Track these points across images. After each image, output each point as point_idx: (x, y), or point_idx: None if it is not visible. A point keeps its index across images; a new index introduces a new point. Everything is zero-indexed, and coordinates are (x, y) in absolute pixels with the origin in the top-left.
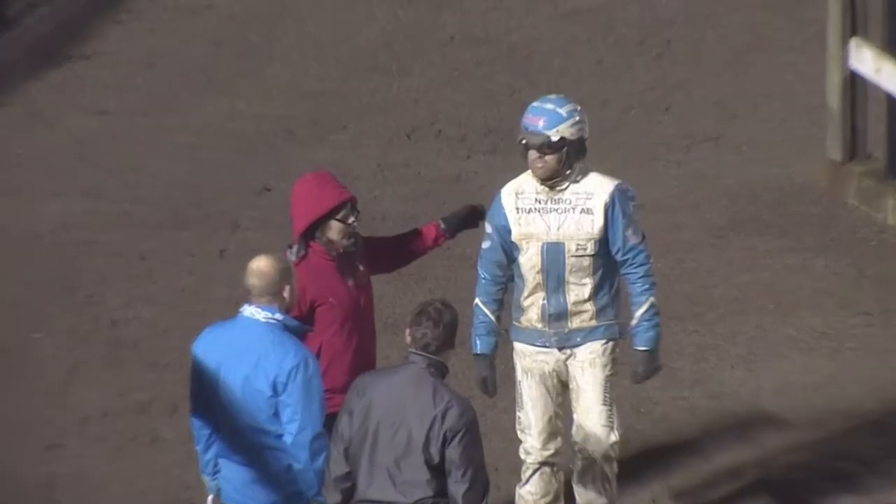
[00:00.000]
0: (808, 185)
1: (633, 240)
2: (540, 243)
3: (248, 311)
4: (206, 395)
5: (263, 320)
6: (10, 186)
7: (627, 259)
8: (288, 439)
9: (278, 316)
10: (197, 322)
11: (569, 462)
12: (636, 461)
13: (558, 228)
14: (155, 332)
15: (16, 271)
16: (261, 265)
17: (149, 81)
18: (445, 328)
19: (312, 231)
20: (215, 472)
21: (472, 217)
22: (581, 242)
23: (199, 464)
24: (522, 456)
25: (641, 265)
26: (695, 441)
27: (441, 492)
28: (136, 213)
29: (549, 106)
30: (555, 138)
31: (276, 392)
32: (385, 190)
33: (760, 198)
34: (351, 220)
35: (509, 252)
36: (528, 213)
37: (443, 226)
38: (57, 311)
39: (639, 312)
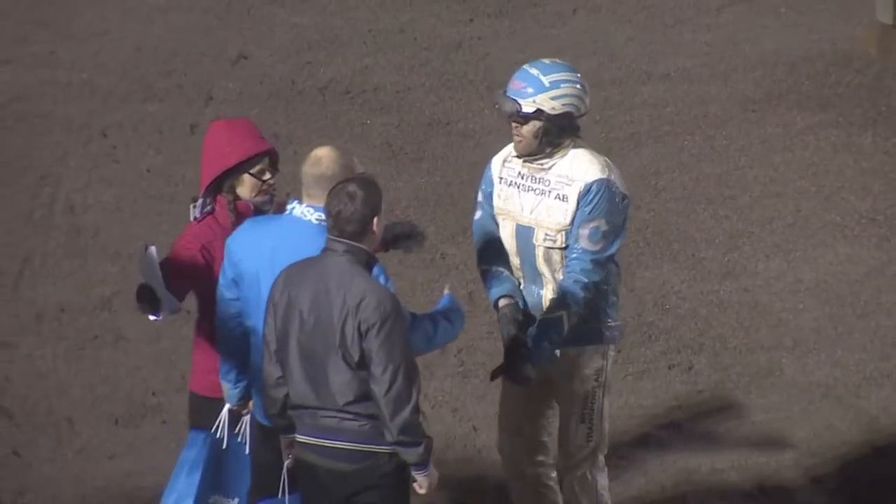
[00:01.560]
0: (853, 53)
1: (583, 242)
2: (514, 224)
3: (298, 210)
4: (252, 303)
5: (316, 222)
6: None
7: (569, 258)
8: None
9: None
10: (165, 207)
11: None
12: (661, 360)
13: (531, 211)
14: (118, 219)
15: None
16: (320, 153)
17: None
18: (365, 206)
19: (221, 185)
20: (239, 380)
21: (410, 240)
22: (549, 233)
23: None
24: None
25: (576, 273)
26: (725, 339)
27: (367, 395)
28: (98, 82)
29: (534, 71)
30: (528, 108)
31: None
32: (377, 59)
33: (800, 67)
34: (267, 176)
35: (496, 229)
36: (509, 186)
37: None
38: (8, 193)
39: (541, 317)
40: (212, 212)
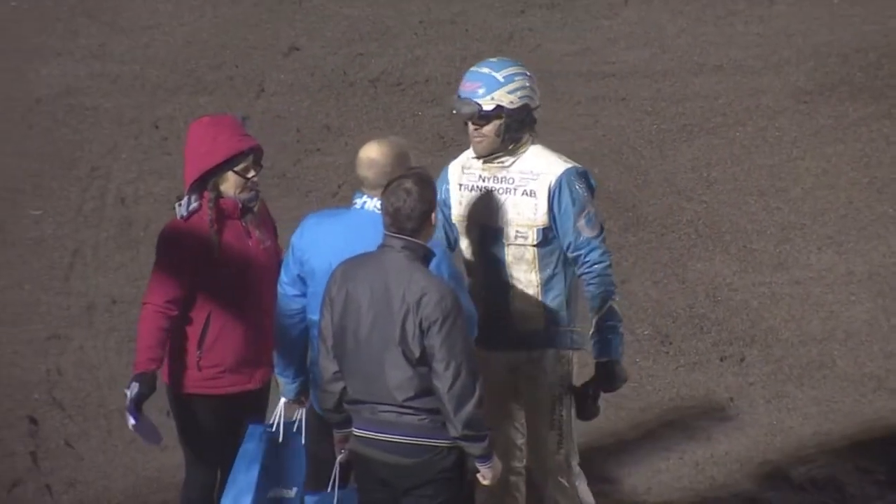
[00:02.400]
0: None
1: (586, 233)
2: (480, 228)
3: (370, 204)
4: (309, 298)
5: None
6: (4, 46)
7: (580, 256)
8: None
9: None
10: None
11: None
12: (712, 351)
13: (498, 211)
14: (169, 210)
15: (13, 141)
16: (370, 153)
17: None
18: (422, 202)
19: (206, 182)
20: (297, 376)
21: None
22: (521, 230)
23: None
24: None
25: (596, 263)
26: (776, 330)
27: (427, 390)
28: (148, 75)
29: (485, 70)
30: (488, 107)
31: None
32: (428, 50)
33: (852, 58)
34: (251, 174)
35: (450, 234)
36: (471, 191)
37: None
38: (58, 186)
39: (595, 319)
40: (198, 209)
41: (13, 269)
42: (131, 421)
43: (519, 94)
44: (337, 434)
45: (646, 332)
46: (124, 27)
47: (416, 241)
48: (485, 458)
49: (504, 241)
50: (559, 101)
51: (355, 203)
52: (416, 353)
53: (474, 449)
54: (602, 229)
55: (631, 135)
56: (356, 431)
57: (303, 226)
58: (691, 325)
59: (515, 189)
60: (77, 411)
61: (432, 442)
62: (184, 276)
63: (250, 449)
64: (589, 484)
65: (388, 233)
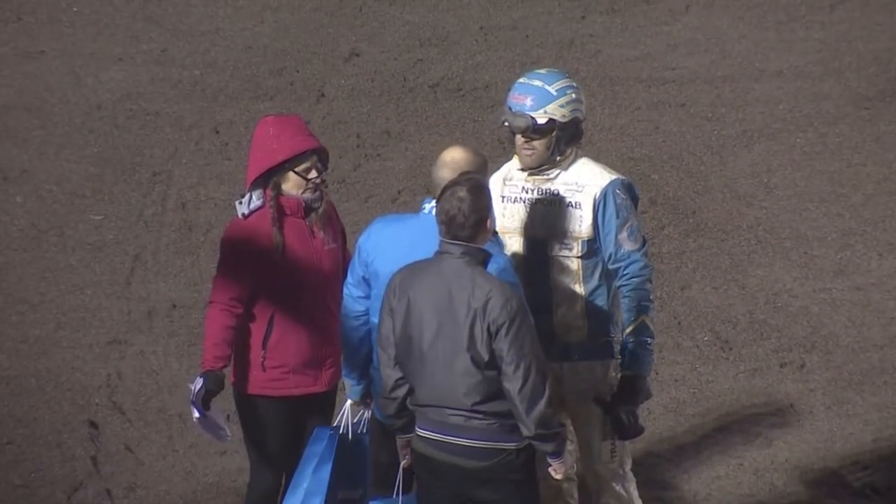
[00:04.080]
0: None
1: (627, 245)
2: (522, 240)
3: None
4: (372, 301)
5: None
6: (65, 50)
7: (619, 268)
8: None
9: None
10: None
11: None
12: (772, 358)
13: (542, 223)
14: (230, 215)
15: (74, 146)
16: (455, 155)
17: None
18: (476, 210)
19: (268, 180)
20: (362, 378)
21: None
22: (566, 241)
23: (343, 363)
24: None
25: (635, 276)
26: (837, 337)
27: (496, 393)
28: (208, 80)
29: (537, 82)
30: (541, 120)
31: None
32: (488, 56)
33: None
34: (312, 174)
35: None
36: (514, 203)
37: None
38: (119, 191)
39: (627, 330)
40: (261, 207)
41: (74, 274)
42: (196, 414)
43: (570, 107)
44: (400, 439)
45: (706, 338)
46: (185, 32)
47: (473, 245)
48: (557, 454)
49: (549, 252)
50: (619, 107)
51: (424, 208)
52: (486, 358)
53: (547, 447)
54: (644, 243)
55: (691, 141)
56: (421, 432)
57: (370, 228)
58: (751, 331)
59: (560, 201)
60: (137, 416)
61: (501, 445)
62: (247, 275)
63: (317, 450)
64: (647, 490)
65: (444, 239)
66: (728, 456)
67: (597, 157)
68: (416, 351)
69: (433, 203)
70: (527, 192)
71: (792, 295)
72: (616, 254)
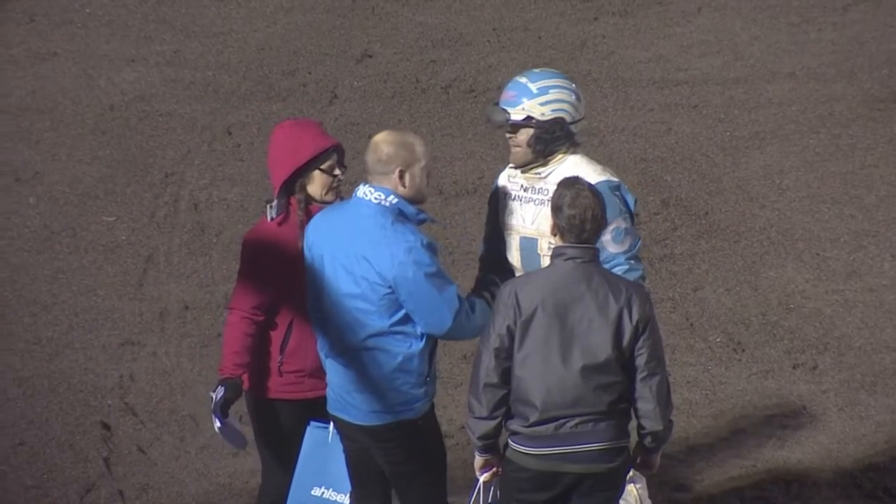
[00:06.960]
0: None
1: (611, 248)
2: (518, 237)
3: (362, 190)
4: (316, 289)
5: (375, 202)
6: (78, 52)
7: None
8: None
9: (392, 199)
10: None
11: None
12: (785, 359)
13: (532, 222)
14: (242, 217)
15: (86, 147)
16: (377, 138)
17: None
18: (598, 208)
19: (294, 184)
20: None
21: None
22: (552, 240)
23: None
24: None
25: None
26: (849, 338)
27: (625, 395)
28: (221, 81)
29: (523, 80)
30: (517, 116)
31: (387, 286)
32: (501, 57)
33: None
34: (337, 171)
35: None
36: (512, 200)
37: None
38: (132, 192)
39: None
40: (288, 214)
41: (87, 275)
42: (217, 424)
43: (552, 106)
44: (480, 458)
45: (718, 340)
46: (197, 33)
47: (590, 246)
48: (660, 449)
49: (538, 251)
50: (632, 109)
51: (355, 192)
52: (626, 357)
53: (665, 443)
54: (633, 246)
55: (704, 142)
56: (533, 451)
57: (313, 217)
58: (764, 333)
59: (548, 200)
60: (150, 417)
61: (621, 443)
62: (269, 282)
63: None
64: (660, 491)
65: (567, 244)
66: (741, 457)
67: (609, 159)
68: (541, 358)
69: (366, 187)
70: (524, 191)
71: (804, 296)
72: (600, 255)
